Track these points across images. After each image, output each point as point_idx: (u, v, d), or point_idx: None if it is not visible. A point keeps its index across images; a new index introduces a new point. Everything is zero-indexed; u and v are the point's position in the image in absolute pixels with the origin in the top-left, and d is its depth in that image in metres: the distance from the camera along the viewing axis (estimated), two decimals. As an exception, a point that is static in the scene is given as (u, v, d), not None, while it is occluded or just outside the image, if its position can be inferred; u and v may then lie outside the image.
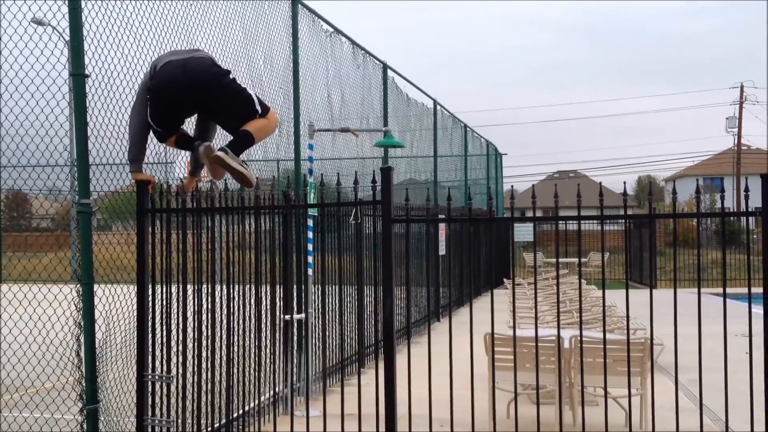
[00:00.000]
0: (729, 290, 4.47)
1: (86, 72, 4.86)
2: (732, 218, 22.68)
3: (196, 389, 5.12)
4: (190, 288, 5.16)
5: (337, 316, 7.93)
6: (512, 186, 8.65)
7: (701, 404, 4.47)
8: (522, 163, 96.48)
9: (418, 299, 12.55)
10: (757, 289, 4.19)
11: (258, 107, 4.83)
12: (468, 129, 19.59)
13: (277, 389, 6.87)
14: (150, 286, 5.05)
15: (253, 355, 5.67)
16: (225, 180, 5.70)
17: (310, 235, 7.13)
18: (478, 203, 19.45)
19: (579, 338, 5.72)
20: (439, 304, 14.15)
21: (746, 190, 4.43)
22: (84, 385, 4.82)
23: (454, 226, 15.12)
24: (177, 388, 5.12)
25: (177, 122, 4.93)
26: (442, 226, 13.56)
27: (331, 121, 9.30)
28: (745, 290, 4.32)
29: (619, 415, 6.25)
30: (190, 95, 4.72)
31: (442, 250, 13.63)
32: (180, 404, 5.08)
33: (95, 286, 4.88)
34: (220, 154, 4.61)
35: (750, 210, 4.37)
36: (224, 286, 5.34)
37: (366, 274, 8.21)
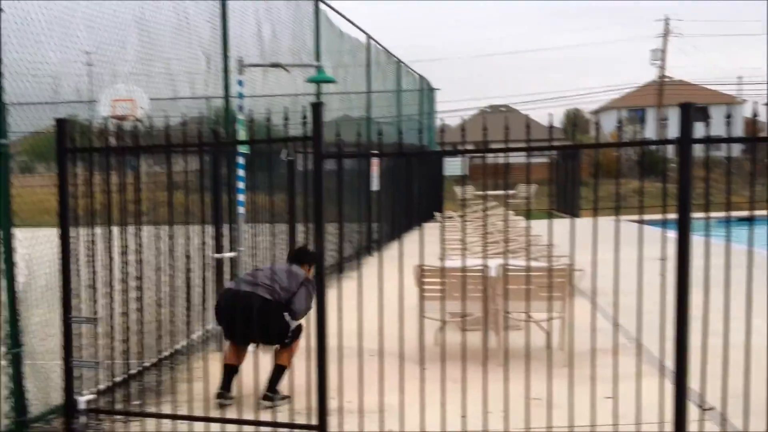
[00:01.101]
0: (648, 217, 4.64)
1: (-1, 6, 4.66)
2: (653, 148, 23.35)
3: (123, 329, 5.13)
4: (116, 229, 5.11)
5: (269, 254, 7.97)
6: (442, 120, 8.71)
7: (616, 324, 4.70)
8: (455, 98, 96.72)
9: (351, 235, 12.66)
10: (673, 215, 4.36)
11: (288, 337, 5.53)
12: (401, 64, 19.50)
13: (207, 327, 6.92)
14: (74, 227, 4.98)
15: (183, 294, 5.68)
16: (150, 117, 5.60)
17: (241, 173, 7.09)
18: (410, 139, 19.53)
19: (505, 267, 5.91)
20: (371, 239, 14.31)
21: (664, 119, 4.57)
22: (6, 329, 4.77)
23: (387, 163, 15.19)
24: (105, 328, 5.12)
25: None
26: (375, 162, 13.59)
27: (261, 57, 9.14)
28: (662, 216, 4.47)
29: (541, 338, 6.53)
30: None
31: (374, 186, 13.69)
32: (108, 344, 5.09)
33: (19, 230, 4.79)
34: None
35: (670, 139, 4.49)
36: (152, 227, 5.31)
37: (298, 212, 8.24)
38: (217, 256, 6.89)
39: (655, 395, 4.47)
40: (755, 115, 4.16)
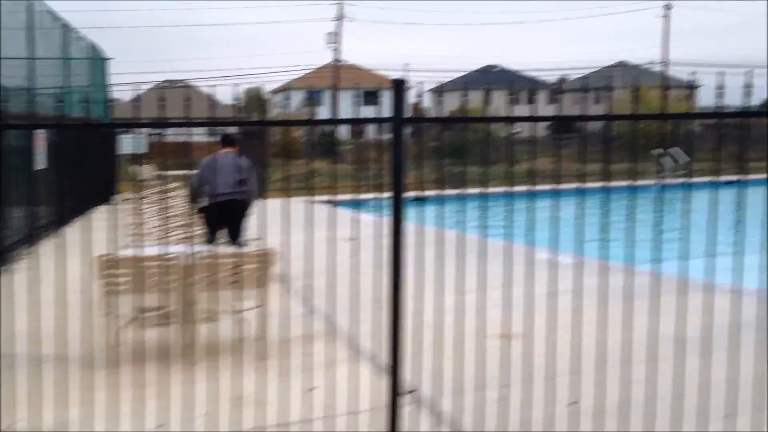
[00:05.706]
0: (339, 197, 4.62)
1: None
2: (326, 131, 24.43)
3: None
4: None
5: None
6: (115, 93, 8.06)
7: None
8: (130, 70, 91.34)
9: (13, 220, 11.28)
10: (356, 195, 4.39)
11: None
12: (70, 30, 17.87)
13: None
14: None
15: None
16: None
17: None
18: (81, 112, 17.94)
19: (196, 254, 5.56)
20: (37, 224, 12.90)
21: (358, 98, 4.54)
22: None
23: (54, 137, 13.76)
24: None
25: None
26: (40, 137, 12.29)
27: None
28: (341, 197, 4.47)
29: (243, 330, 6.26)
30: None
31: (40, 163, 12.39)
32: None
33: None
34: None
35: (384, 117, 4.44)
36: None
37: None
38: None
39: (362, 380, 4.37)
40: (420, 95, 4.38)
